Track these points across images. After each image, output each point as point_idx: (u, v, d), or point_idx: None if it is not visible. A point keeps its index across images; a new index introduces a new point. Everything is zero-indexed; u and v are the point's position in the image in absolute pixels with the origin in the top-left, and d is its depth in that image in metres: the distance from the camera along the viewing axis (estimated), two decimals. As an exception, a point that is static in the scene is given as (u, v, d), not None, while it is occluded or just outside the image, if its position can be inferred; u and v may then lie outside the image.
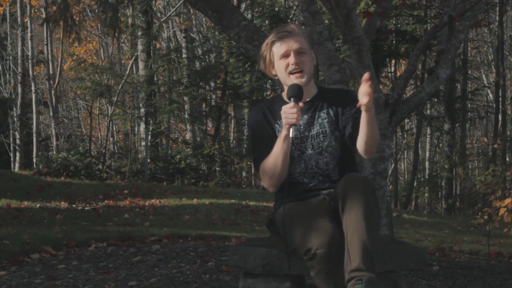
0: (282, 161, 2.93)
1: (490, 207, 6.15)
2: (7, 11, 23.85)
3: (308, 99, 3.06)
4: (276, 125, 3.06)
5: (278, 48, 3.02)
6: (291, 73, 3.01)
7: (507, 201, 5.88)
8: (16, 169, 19.96)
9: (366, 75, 2.72)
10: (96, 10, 19.24)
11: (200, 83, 18.34)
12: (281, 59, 3.02)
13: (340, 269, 2.69)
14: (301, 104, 2.92)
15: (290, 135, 2.87)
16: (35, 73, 22.62)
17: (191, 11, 20.15)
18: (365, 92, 2.72)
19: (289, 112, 2.86)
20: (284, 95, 3.10)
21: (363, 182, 2.77)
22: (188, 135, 20.75)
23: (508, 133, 20.96)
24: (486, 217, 6.22)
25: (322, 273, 2.70)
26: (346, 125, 3.01)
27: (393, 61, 17.55)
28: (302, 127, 3.03)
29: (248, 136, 3.17)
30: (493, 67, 20.95)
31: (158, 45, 21.28)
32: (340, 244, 2.69)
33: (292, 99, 2.91)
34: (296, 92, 2.93)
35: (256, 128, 3.09)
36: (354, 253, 2.63)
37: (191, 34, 21.18)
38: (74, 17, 14.01)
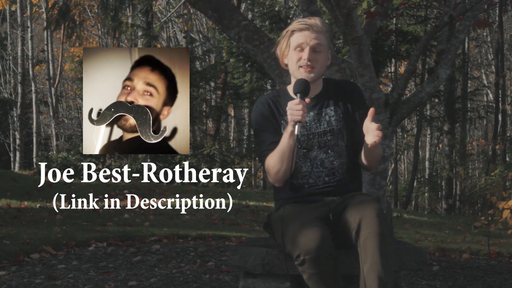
0: (288, 157, 2.87)
1: (493, 208, 6.15)
2: (7, 11, 23.85)
3: (314, 95, 3.00)
4: (282, 121, 3.00)
5: (295, 39, 2.95)
6: (301, 66, 2.94)
7: (511, 202, 5.87)
8: (16, 169, 19.96)
9: (371, 111, 2.76)
10: (97, 10, 19.25)
11: (200, 83, 18.34)
12: (295, 50, 2.95)
13: (331, 272, 2.70)
14: (307, 100, 2.85)
15: (296, 132, 2.81)
16: (35, 72, 22.62)
17: (191, 11, 20.14)
18: (374, 135, 2.75)
19: (294, 108, 2.79)
20: (290, 88, 3.05)
21: (376, 213, 2.72)
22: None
23: (508, 133, 20.94)
24: (490, 218, 6.22)
25: (314, 277, 2.70)
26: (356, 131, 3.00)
27: (393, 61, 17.55)
28: (308, 124, 2.98)
29: (254, 130, 3.10)
30: (493, 67, 20.94)
31: (159, 45, 21.27)
32: (330, 248, 2.68)
33: (298, 95, 2.85)
34: (303, 88, 2.85)
35: (262, 121, 3.02)
36: None
37: (191, 35, 21.17)
38: (75, 17, 13.99)
